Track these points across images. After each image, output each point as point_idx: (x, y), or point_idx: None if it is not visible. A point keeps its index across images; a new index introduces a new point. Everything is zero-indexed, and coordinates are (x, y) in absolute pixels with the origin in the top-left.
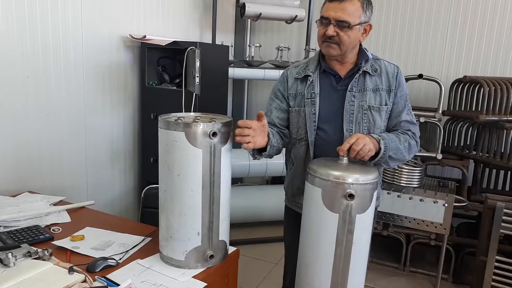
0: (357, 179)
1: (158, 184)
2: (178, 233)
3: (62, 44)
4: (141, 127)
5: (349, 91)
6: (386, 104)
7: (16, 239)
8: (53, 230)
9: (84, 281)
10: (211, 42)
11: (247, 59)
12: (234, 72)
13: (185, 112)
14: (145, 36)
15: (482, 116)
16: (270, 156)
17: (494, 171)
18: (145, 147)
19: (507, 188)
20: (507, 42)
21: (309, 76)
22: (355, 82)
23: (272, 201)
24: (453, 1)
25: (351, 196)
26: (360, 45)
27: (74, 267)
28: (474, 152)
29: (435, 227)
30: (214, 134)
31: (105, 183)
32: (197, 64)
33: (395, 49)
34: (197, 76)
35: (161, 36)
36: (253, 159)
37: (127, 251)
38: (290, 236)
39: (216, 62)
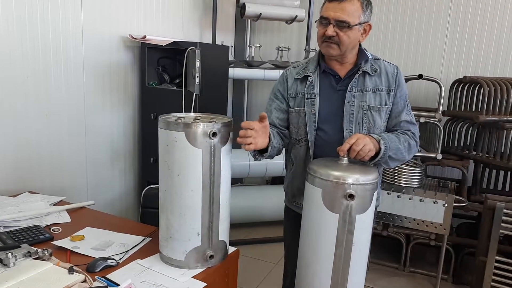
0: (357, 180)
1: (158, 184)
2: (178, 233)
3: (62, 44)
4: (141, 127)
5: (349, 91)
6: (385, 104)
7: (16, 239)
8: (53, 230)
9: (84, 281)
10: (211, 42)
11: (247, 59)
12: (234, 72)
13: (185, 112)
14: (145, 36)
15: (482, 116)
16: (271, 157)
17: (494, 171)
18: (145, 147)
19: (507, 189)
20: (507, 42)
21: (309, 76)
22: (354, 82)
23: (272, 201)
24: (453, 1)
25: (351, 196)
26: (360, 45)
27: (74, 267)
28: (474, 153)
29: (435, 227)
30: (214, 134)
31: (105, 183)
32: (197, 64)
33: (395, 49)
34: (197, 76)
35: (161, 36)
36: (254, 159)
37: (127, 251)
38: (290, 236)
39: (216, 62)
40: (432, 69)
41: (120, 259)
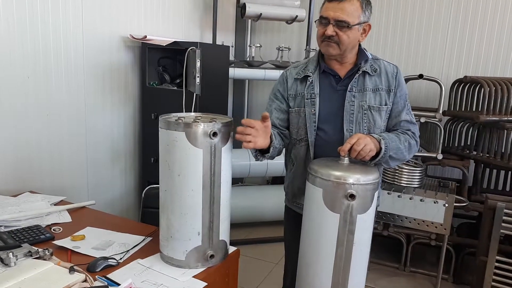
0: (358, 180)
1: (158, 184)
2: (179, 233)
3: (62, 44)
4: (141, 127)
5: (349, 91)
6: (386, 104)
7: (17, 239)
8: (53, 230)
9: (85, 280)
10: (211, 42)
11: (248, 59)
12: (235, 72)
13: (185, 112)
14: (145, 36)
15: (483, 116)
16: (272, 158)
17: (494, 171)
18: (146, 147)
19: (507, 188)
20: (507, 42)
21: (309, 76)
22: (354, 82)
23: (273, 201)
24: (453, 1)
25: (352, 196)
26: (359, 45)
27: (75, 267)
28: (474, 152)
29: (436, 227)
30: (215, 134)
31: (106, 183)
32: (198, 64)
33: (396, 49)
34: (198, 76)
35: (162, 36)
36: (256, 160)
37: (128, 250)
38: (290, 237)
39: (217, 62)
40: (432, 69)
41: (120, 258)
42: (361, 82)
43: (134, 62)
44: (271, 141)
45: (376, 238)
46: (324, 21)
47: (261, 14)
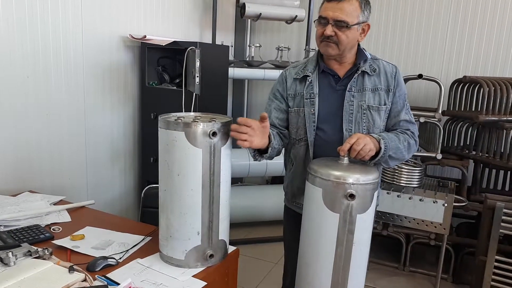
0: (357, 179)
1: (158, 183)
2: (178, 232)
3: (62, 44)
4: (141, 127)
5: (348, 91)
6: (385, 104)
7: (16, 238)
8: (53, 229)
9: (84, 280)
10: (211, 42)
11: (247, 59)
12: (234, 72)
13: (185, 112)
14: (145, 36)
15: (482, 116)
16: (271, 158)
17: (493, 171)
18: (145, 147)
19: (506, 188)
20: (507, 42)
21: (308, 76)
22: (354, 82)
23: (272, 201)
24: (453, 1)
25: (351, 196)
26: (359, 45)
27: (74, 266)
28: (473, 152)
29: (435, 227)
30: (214, 134)
31: (105, 182)
32: (197, 64)
33: (395, 49)
34: (197, 76)
35: (161, 36)
36: (254, 160)
37: (127, 250)
38: (289, 236)
39: (216, 62)
40: (432, 69)
41: (120, 258)
42: (360, 82)
43: (133, 62)
44: (270, 142)
45: (376, 237)
46: (323, 21)
47: (260, 14)
